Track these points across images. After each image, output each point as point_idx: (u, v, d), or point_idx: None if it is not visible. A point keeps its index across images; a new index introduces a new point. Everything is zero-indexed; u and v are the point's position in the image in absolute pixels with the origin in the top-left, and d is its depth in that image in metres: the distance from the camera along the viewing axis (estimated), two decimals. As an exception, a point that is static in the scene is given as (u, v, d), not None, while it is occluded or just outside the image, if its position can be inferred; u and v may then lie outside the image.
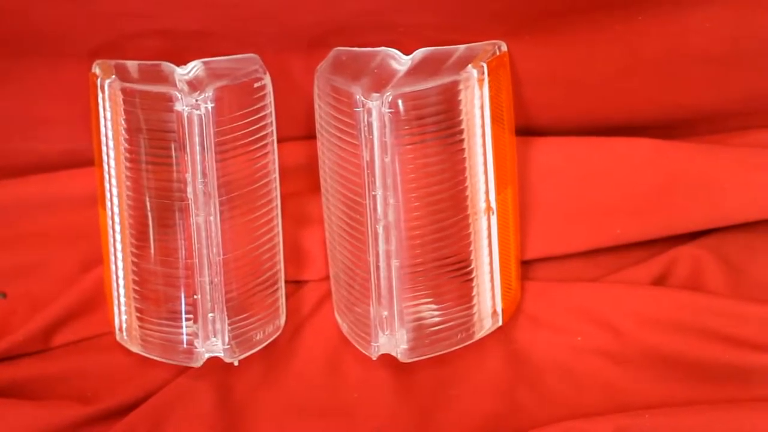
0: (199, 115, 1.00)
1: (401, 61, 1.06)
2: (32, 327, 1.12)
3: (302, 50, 1.09)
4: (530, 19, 1.05)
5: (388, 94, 0.98)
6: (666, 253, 1.12)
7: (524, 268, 1.13)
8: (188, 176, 1.01)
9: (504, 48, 1.06)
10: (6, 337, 1.12)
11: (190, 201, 1.02)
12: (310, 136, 1.14)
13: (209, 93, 1.00)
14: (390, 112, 0.98)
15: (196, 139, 1.00)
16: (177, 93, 0.99)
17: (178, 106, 1.00)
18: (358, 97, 0.99)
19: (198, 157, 1.00)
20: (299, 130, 1.13)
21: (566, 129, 1.13)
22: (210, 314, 1.04)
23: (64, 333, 1.14)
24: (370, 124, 0.99)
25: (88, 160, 1.15)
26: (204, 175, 1.01)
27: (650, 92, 1.10)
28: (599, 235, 1.12)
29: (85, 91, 1.11)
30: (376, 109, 0.98)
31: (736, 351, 1.06)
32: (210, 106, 1.00)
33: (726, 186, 1.11)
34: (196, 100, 1.00)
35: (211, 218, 1.02)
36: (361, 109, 0.99)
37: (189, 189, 1.01)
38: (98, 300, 1.14)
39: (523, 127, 1.11)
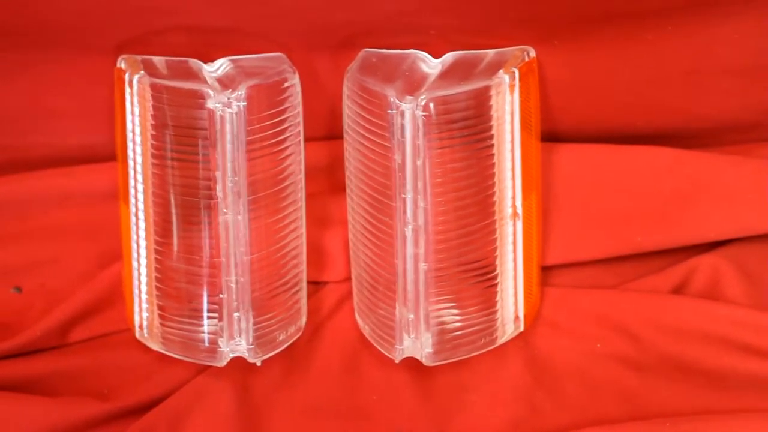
0: (231, 114, 0.99)
1: (431, 64, 1.06)
2: (49, 322, 1.11)
3: (329, 50, 1.09)
4: (560, 26, 1.05)
5: (422, 97, 0.98)
6: (685, 262, 1.13)
7: (544, 273, 1.13)
8: (218, 174, 1.00)
9: (533, 54, 1.06)
10: (23, 332, 1.11)
11: (219, 199, 1.01)
12: (333, 136, 1.14)
13: (242, 91, 0.99)
14: (423, 115, 0.98)
15: (228, 137, 1.00)
16: (210, 90, 0.99)
17: (210, 104, 0.99)
18: (392, 99, 0.98)
19: (229, 156, 1.00)
20: (322, 131, 1.13)
21: (589, 136, 1.13)
22: (236, 314, 1.03)
23: (81, 329, 1.13)
24: (402, 127, 0.99)
25: (106, 155, 1.14)
26: (234, 173, 1.00)
27: (674, 101, 1.11)
28: (619, 242, 1.13)
29: (105, 86, 1.10)
30: (409, 112, 0.98)
31: (754, 360, 1.07)
32: (242, 104, 0.99)
33: (746, 196, 1.12)
34: (228, 98, 0.99)
35: (239, 217, 1.02)
36: (394, 111, 0.99)
37: (218, 187, 1.01)
38: (115, 297, 1.14)
39: (546, 132, 1.11)
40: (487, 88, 1.01)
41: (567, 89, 1.10)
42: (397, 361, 1.05)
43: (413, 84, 1.02)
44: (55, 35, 1.07)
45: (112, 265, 1.14)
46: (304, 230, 1.08)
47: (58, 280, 1.15)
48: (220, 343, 1.04)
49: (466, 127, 1.01)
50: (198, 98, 1.00)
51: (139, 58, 1.07)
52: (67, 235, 1.16)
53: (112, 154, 1.13)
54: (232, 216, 1.01)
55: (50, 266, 1.16)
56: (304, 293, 1.09)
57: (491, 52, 1.06)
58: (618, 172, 1.13)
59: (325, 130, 1.13)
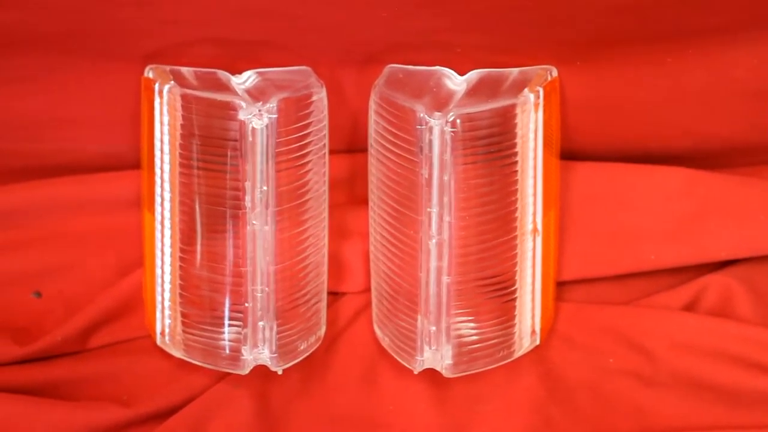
0: (262, 126, 1.01)
1: (456, 81, 1.07)
2: (70, 328, 1.12)
3: (354, 65, 1.11)
4: (582, 47, 1.07)
5: (450, 113, 1.00)
6: (696, 280, 1.15)
7: (558, 288, 1.15)
8: (247, 185, 1.02)
9: (555, 73, 1.08)
10: (43, 336, 1.12)
11: (247, 209, 1.02)
12: (355, 149, 1.15)
13: (273, 104, 1.01)
14: (452, 131, 1.00)
15: (258, 149, 1.01)
16: (242, 102, 1.00)
17: (242, 115, 1.01)
18: (420, 114, 1.00)
19: (258, 167, 1.01)
20: (344, 144, 1.15)
21: (604, 154, 1.15)
22: (260, 323, 1.05)
23: (101, 335, 1.14)
24: (430, 142, 1.01)
25: (127, 163, 1.15)
26: (263, 184, 1.02)
27: (689, 122, 1.13)
28: (632, 259, 1.15)
29: (129, 95, 1.12)
30: (437, 128, 1.00)
31: (764, 377, 1.09)
32: (273, 116, 1.01)
33: (757, 217, 1.14)
34: (260, 110, 1.01)
35: (267, 228, 1.03)
36: (423, 126, 1.00)
37: (247, 198, 1.02)
38: (135, 303, 1.14)
39: (563, 150, 1.13)
40: (513, 106, 1.03)
41: (585, 108, 1.12)
42: (416, 372, 1.07)
43: (440, 100, 1.04)
44: (83, 43, 1.08)
45: (132, 272, 1.15)
46: (326, 241, 1.09)
47: (78, 286, 1.16)
48: (243, 351, 1.05)
49: (492, 144, 1.03)
50: (230, 110, 1.01)
51: (167, 68, 1.08)
52: (86, 242, 1.17)
53: (132, 162, 1.14)
54: (260, 226, 1.03)
55: (69, 272, 1.16)
56: (324, 303, 1.10)
57: (515, 70, 1.08)
58: (632, 191, 1.15)
59: (348, 143, 1.15)
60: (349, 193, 1.17)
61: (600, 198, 1.15)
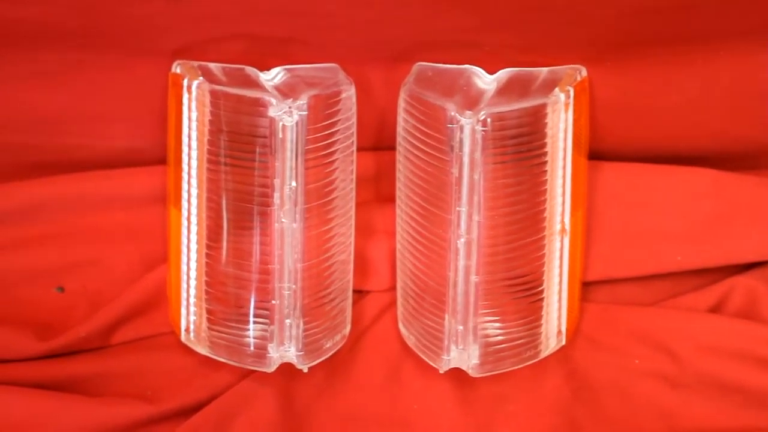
0: (292, 122, 1.00)
1: (486, 80, 1.07)
2: (94, 323, 1.12)
3: (382, 63, 1.10)
4: (612, 47, 1.07)
5: (482, 112, 0.99)
6: (722, 282, 1.15)
7: (583, 289, 1.15)
8: (276, 182, 1.01)
9: (584, 73, 1.08)
10: (67, 332, 1.11)
11: (276, 207, 1.02)
12: (381, 147, 1.15)
13: (303, 101, 1.00)
14: (483, 131, 1.00)
15: (288, 146, 1.01)
16: (272, 99, 1.00)
17: (272, 112, 1.00)
18: (452, 113, 1.00)
19: (288, 164, 1.01)
20: (371, 141, 1.14)
21: (631, 155, 1.15)
22: (287, 320, 1.04)
23: (124, 331, 1.14)
24: (461, 141, 1.00)
25: (151, 158, 1.15)
26: (293, 181, 1.01)
27: (717, 124, 1.13)
28: (658, 260, 1.15)
29: (156, 90, 1.11)
30: (468, 127, 1.00)
31: (790, 380, 1.09)
32: (303, 114, 1.00)
33: (784, 219, 1.14)
34: (290, 107, 1.00)
35: (295, 225, 1.02)
36: (454, 125, 1.00)
37: (276, 195, 1.02)
38: (159, 300, 1.14)
39: (590, 150, 1.13)
40: (544, 106, 1.03)
41: (613, 109, 1.12)
42: (442, 372, 1.06)
43: (471, 99, 1.04)
44: (112, 39, 1.07)
45: (155, 268, 1.14)
46: (353, 239, 1.08)
47: (101, 281, 1.16)
48: (269, 348, 1.05)
49: (522, 144, 1.03)
50: (259, 106, 1.00)
51: (195, 64, 1.07)
52: (110, 237, 1.16)
53: (157, 157, 1.14)
54: (288, 224, 1.02)
55: (93, 267, 1.16)
56: (349, 302, 1.10)
57: (545, 70, 1.07)
58: (658, 192, 1.15)
59: (374, 141, 1.14)
60: (375, 191, 1.16)
61: (626, 198, 1.14)
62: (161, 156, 1.13)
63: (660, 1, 1.02)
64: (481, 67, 1.08)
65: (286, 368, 1.07)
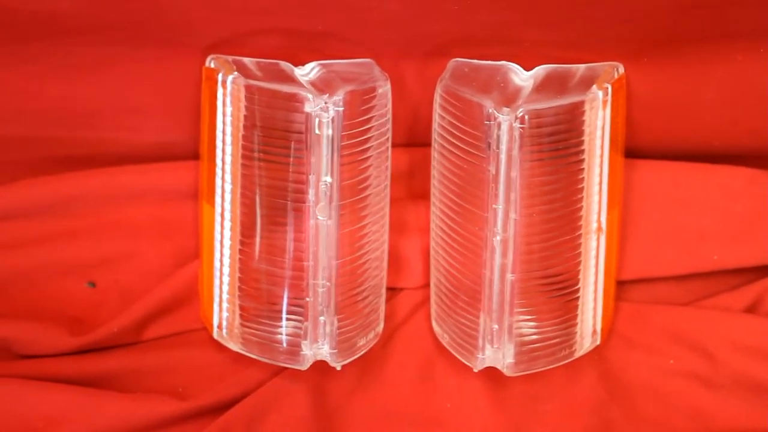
0: (328, 118, 0.99)
1: (522, 77, 1.06)
2: (126, 319, 1.11)
3: (418, 58, 1.09)
4: (651, 44, 1.06)
5: (520, 109, 0.98)
6: (758, 282, 1.14)
7: (618, 288, 1.14)
8: (311, 178, 1.01)
9: (622, 70, 1.07)
10: (99, 327, 1.11)
11: (310, 203, 1.01)
12: (414, 143, 1.14)
13: (340, 96, 0.99)
14: (521, 127, 0.99)
15: (324, 142, 1.00)
16: (308, 95, 0.99)
17: (308, 108, 0.99)
18: (490, 110, 0.99)
19: (324, 160, 1.00)
20: (404, 137, 1.13)
21: (667, 153, 1.14)
22: (321, 317, 1.03)
23: (156, 327, 1.14)
24: (499, 138, 0.99)
25: (184, 153, 1.15)
26: (330, 176, 1.00)
27: (754, 122, 1.12)
28: (694, 260, 1.14)
29: (190, 85, 1.10)
30: (506, 124, 0.99)
31: (826, 382, 1.08)
32: (340, 109, 0.99)
33: (821, 219, 1.13)
34: (326, 103, 0.99)
35: (330, 221, 1.02)
36: (491, 122, 0.99)
37: (311, 191, 1.01)
38: (191, 296, 1.13)
39: (626, 148, 1.12)
40: (582, 103, 1.02)
41: (650, 106, 1.11)
42: (476, 370, 1.05)
43: (508, 96, 1.03)
44: (147, 32, 1.07)
45: (187, 264, 1.14)
46: (386, 237, 1.08)
47: (132, 276, 1.15)
48: (303, 346, 1.04)
49: (559, 141, 1.02)
50: (295, 101, 1.00)
51: (230, 58, 1.06)
52: (141, 232, 1.16)
53: (190, 152, 1.13)
54: (323, 220, 1.01)
55: (124, 262, 1.15)
56: (383, 299, 1.09)
57: (582, 66, 1.06)
58: (695, 190, 1.14)
59: (407, 137, 1.14)
60: (408, 188, 1.15)
61: (662, 197, 1.13)
62: (194, 151, 1.12)
63: (700, -2, 1.01)
64: (518, 63, 1.07)
65: (319, 365, 1.07)
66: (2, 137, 1.13)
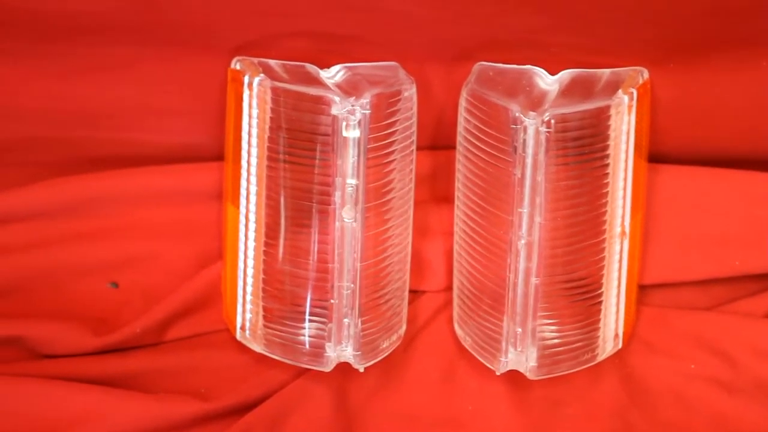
0: (355, 121, 1.00)
1: (547, 81, 1.06)
2: (149, 320, 1.11)
3: (443, 62, 1.10)
4: (677, 49, 1.06)
5: (546, 113, 0.99)
6: (780, 288, 1.14)
7: (639, 292, 1.14)
8: (338, 180, 1.01)
9: (646, 75, 1.07)
10: (122, 328, 1.11)
11: (336, 205, 1.01)
12: (437, 146, 1.14)
13: (367, 99, 0.99)
14: (547, 132, 0.99)
15: (350, 144, 1.00)
16: (335, 97, 0.99)
17: (335, 110, 1.00)
18: (516, 114, 0.99)
19: (350, 162, 1.00)
20: (427, 140, 1.14)
21: (690, 158, 1.14)
22: (345, 319, 1.04)
23: (178, 328, 1.14)
24: (525, 142, 1.00)
25: (208, 154, 1.15)
26: (354, 180, 1.00)
27: (778, 128, 1.12)
28: (716, 265, 1.14)
29: (215, 86, 1.11)
30: (532, 128, 0.99)
31: None
32: (367, 112, 1.00)
33: (844, 225, 1.13)
34: (352, 105, 0.99)
35: (355, 224, 1.02)
36: (518, 126, 0.99)
37: (337, 193, 1.01)
38: (213, 297, 1.14)
39: (649, 152, 1.12)
40: (607, 108, 1.02)
41: (675, 111, 1.11)
42: (498, 374, 1.06)
43: (534, 100, 1.03)
44: (172, 34, 1.07)
45: (210, 265, 1.14)
46: (410, 239, 1.08)
47: (155, 277, 1.15)
48: (327, 348, 1.04)
49: (585, 145, 1.02)
50: (322, 104, 1.00)
51: (256, 60, 1.07)
52: (164, 233, 1.16)
53: (214, 154, 1.14)
54: (349, 222, 1.02)
55: (147, 263, 1.15)
56: (405, 302, 1.09)
57: (607, 71, 1.07)
58: (717, 196, 1.14)
59: (431, 140, 1.14)
60: (431, 191, 1.16)
61: (685, 202, 1.14)
62: (218, 152, 1.12)
63: (728, 3, 1.01)
64: (541, 67, 1.07)
65: (341, 367, 1.07)
66: (26, 137, 1.13)
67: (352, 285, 1.03)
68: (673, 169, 1.14)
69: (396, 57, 1.08)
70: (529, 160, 1.00)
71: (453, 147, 1.11)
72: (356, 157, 1.01)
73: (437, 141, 1.14)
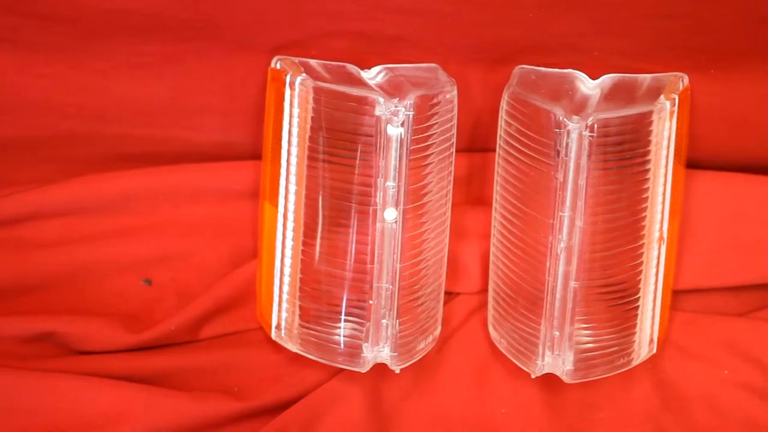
0: (399, 122, 1.00)
1: (588, 85, 1.07)
2: (183, 317, 1.11)
3: (482, 64, 1.10)
4: (720, 56, 1.06)
5: (590, 118, 0.99)
6: (813, 295, 1.14)
7: (672, 297, 1.14)
8: (379, 181, 1.01)
9: (687, 81, 1.07)
10: (157, 325, 1.11)
11: (377, 206, 1.01)
12: (474, 148, 1.15)
13: (410, 100, 0.99)
14: (591, 136, 0.99)
15: (393, 145, 1.00)
16: (380, 98, 0.99)
17: (379, 111, 1.00)
18: (560, 118, 0.99)
19: (392, 164, 1.00)
20: (464, 142, 1.14)
21: (726, 164, 1.14)
22: (383, 320, 1.03)
23: (212, 326, 1.14)
24: (568, 146, 1.00)
25: (244, 153, 1.15)
26: (396, 181, 1.00)
27: (814, 136, 1.12)
28: (750, 271, 1.14)
29: (254, 85, 1.11)
30: (576, 132, 0.99)
31: None
32: (410, 113, 1.00)
33: None
34: (396, 107, 0.99)
35: (396, 225, 1.02)
36: (561, 130, 0.99)
37: (378, 194, 1.01)
38: (247, 296, 1.14)
39: (687, 158, 1.12)
40: (650, 113, 1.02)
41: (713, 117, 1.11)
42: (534, 377, 1.06)
43: (576, 104, 1.03)
44: (215, 32, 1.07)
45: (244, 264, 1.14)
46: (447, 241, 1.08)
47: (189, 274, 1.15)
48: (364, 348, 1.04)
49: (627, 150, 1.02)
50: (366, 104, 1.00)
51: (296, 59, 1.06)
52: (199, 231, 1.16)
53: (250, 152, 1.14)
54: (389, 223, 1.02)
55: (181, 261, 1.16)
56: (441, 303, 1.09)
57: (648, 77, 1.07)
58: (753, 202, 1.14)
59: (467, 142, 1.14)
60: (466, 193, 1.16)
61: (720, 208, 1.14)
62: (254, 151, 1.12)
63: (769, 11, 1.01)
64: (582, 71, 1.08)
65: (375, 368, 1.07)
66: (64, 133, 1.13)
67: (391, 286, 1.03)
68: (710, 175, 1.14)
69: (436, 59, 1.08)
70: (571, 164, 1.00)
71: (489, 149, 1.11)
72: (398, 159, 1.00)
73: (474, 143, 1.14)
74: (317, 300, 1.07)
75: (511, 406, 1.10)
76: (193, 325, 1.12)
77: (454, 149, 1.06)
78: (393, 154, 1.00)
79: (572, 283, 1.03)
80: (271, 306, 1.08)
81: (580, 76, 1.07)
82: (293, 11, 1.05)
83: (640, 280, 1.06)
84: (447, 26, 1.04)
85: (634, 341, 1.08)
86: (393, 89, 1.03)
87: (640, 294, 1.07)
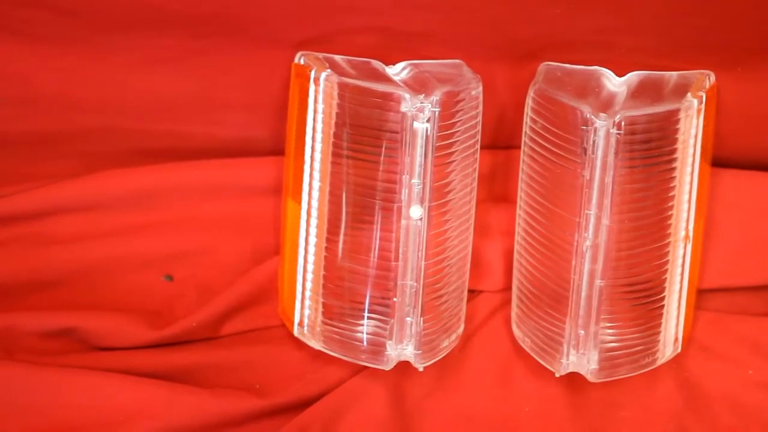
0: (425, 118, 0.99)
1: (615, 82, 1.06)
2: (205, 314, 1.11)
3: (506, 61, 1.09)
4: (747, 53, 1.05)
5: (618, 115, 0.98)
6: (837, 295, 1.14)
7: (697, 296, 1.13)
8: (405, 178, 1.00)
9: (713, 79, 1.06)
10: (178, 321, 1.10)
11: (402, 203, 1.01)
12: (497, 145, 1.14)
13: (436, 97, 0.99)
14: (618, 134, 0.98)
15: (418, 142, 0.99)
16: (405, 94, 0.98)
17: (405, 107, 0.99)
18: (587, 115, 0.98)
19: (418, 160, 1.00)
20: (487, 139, 1.13)
21: (751, 163, 1.14)
22: (408, 318, 1.03)
23: (234, 322, 1.13)
24: (595, 144, 0.99)
25: (266, 149, 1.14)
26: (421, 178, 1.00)
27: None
28: (773, 270, 1.13)
29: (276, 81, 1.10)
30: (603, 129, 0.98)
31: None
32: (436, 110, 0.99)
33: None
34: (422, 103, 0.99)
35: (421, 222, 1.01)
36: (588, 127, 0.98)
37: (404, 191, 1.00)
38: (269, 292, 1.13)
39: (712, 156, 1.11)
40: (677, 111, 1.02)
41: (738, 115, 1.11)
42: (558, 375, 1.05)
43: (603, 101, 1.02)
44: (237, 27, 1.06)
45: (266, 260, 1.13)
46: (471, 239, 1.07)
47: (210, 270, 1.15)
48: (387, 346, 1.04)
49: (654, 148, 1.01)
50: (391, 101, 0.99)
51: (320, 55, 1.06)
52: (220, 227, 1.15)
53: (272, 148, 1.13)
54: (414, 220, 1.01)
55: (202, 257, 1.15)
56: (464, 301, 1.09)
57: (674, 74, 1.06)
58: (776, 201, 1.13)
59: (490, 139, 1.13)
60: (489, 190, 1.15)
61: (745, 207, 1.13)
62: (276, 147, 1.12)
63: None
64: (610, 68, 1.07)
65: (398, 366, 1.06)
66: (83, 128, 1.13)
67: (415, 283, 1.03)
68: (734, 174, 1.14)
69: (461, 55, 1.07)
70: (598, 162, 0.99)
71: (513, 147, 1.10)
72: (424, 156, 1.00)
73: (496, 140, 1.13)
74: (340, 297, 1.06)
75: (534, 404, 1.09)
76: (214, 321, 1.11)
77: (478, 146, 1.05)
78: (418, 150, 1.00)
79: (598, 282, 1.02)
80: (294, 303, 1.08)
81: (606, 73, 1.06)
82: (317, 6, 1.04)
83: (665, 279, 1.06)
84: (472, 22, 1.04)
85: (659, 340, 1.07)
86: (418, 85, 1.03)
87: (666, 293, 1.06)
